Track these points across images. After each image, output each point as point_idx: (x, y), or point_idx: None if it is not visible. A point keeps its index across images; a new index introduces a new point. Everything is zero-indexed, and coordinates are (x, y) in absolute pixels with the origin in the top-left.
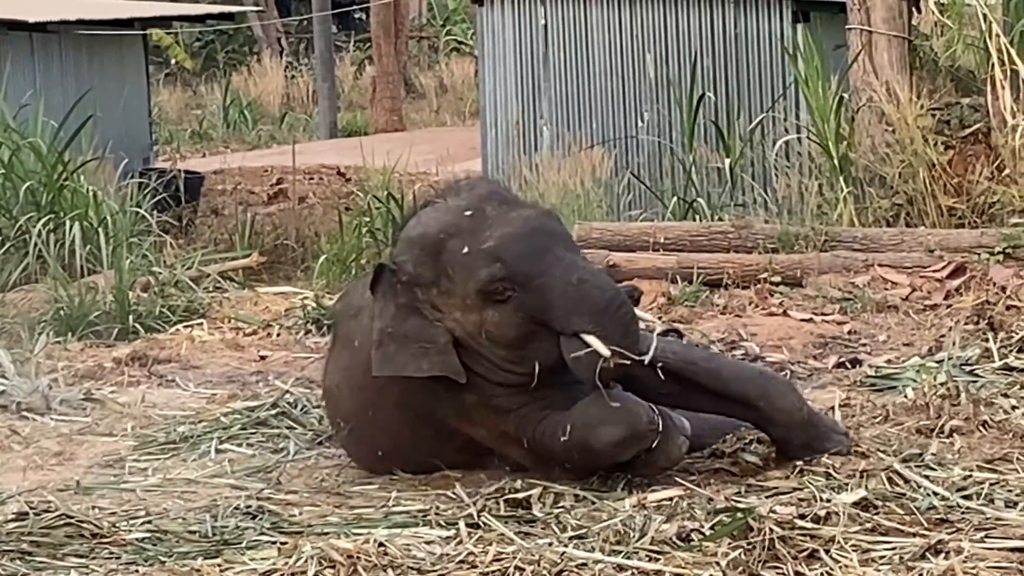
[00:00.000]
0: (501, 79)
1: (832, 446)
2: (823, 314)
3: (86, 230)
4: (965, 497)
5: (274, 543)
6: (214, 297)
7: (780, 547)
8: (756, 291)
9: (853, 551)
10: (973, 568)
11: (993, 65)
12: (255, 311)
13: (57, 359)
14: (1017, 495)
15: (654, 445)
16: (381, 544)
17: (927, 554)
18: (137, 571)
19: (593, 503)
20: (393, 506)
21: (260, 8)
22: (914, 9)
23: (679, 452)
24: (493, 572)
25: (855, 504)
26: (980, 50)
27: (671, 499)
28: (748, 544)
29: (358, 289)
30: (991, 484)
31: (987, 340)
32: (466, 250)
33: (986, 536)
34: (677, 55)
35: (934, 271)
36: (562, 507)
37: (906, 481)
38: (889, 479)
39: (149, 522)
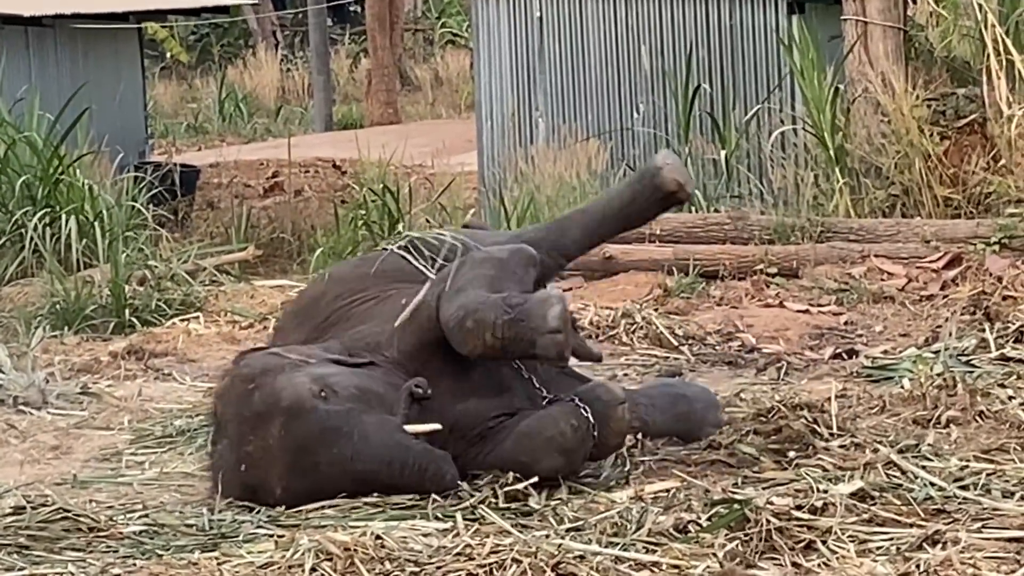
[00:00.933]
0: (496, 71)
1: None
2: (819, 305)
3: (82, 224)
4: (962, 488)
5: (271, 536)
6: (210, 290)
7: (777, 538)
8: (752, 282)
9: (850, 542)
10: (970, 558)
11: (988, 55)
12: (251, 304)
13: (53, 353)
14: (1014, 485)
15: (596, 436)
16: (378, 537)
17: (924, 544)
18: (134, 564)
19: (590, 495)
20: (390, 498)
21: (255, 1)
22: None
23: (623, 422)
24: (490, 564)
25: (852, 495)
26: (975, 40)
27: (668, 491)
28: (745, 535)
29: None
30: (988, 474)
31: (983, 330)
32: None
33: (983, 526)
34: (672, 47)
35: (930, 262)
36: (559, 499)
37: (903, 472)
38: (886, 470)
39: (146, 516)
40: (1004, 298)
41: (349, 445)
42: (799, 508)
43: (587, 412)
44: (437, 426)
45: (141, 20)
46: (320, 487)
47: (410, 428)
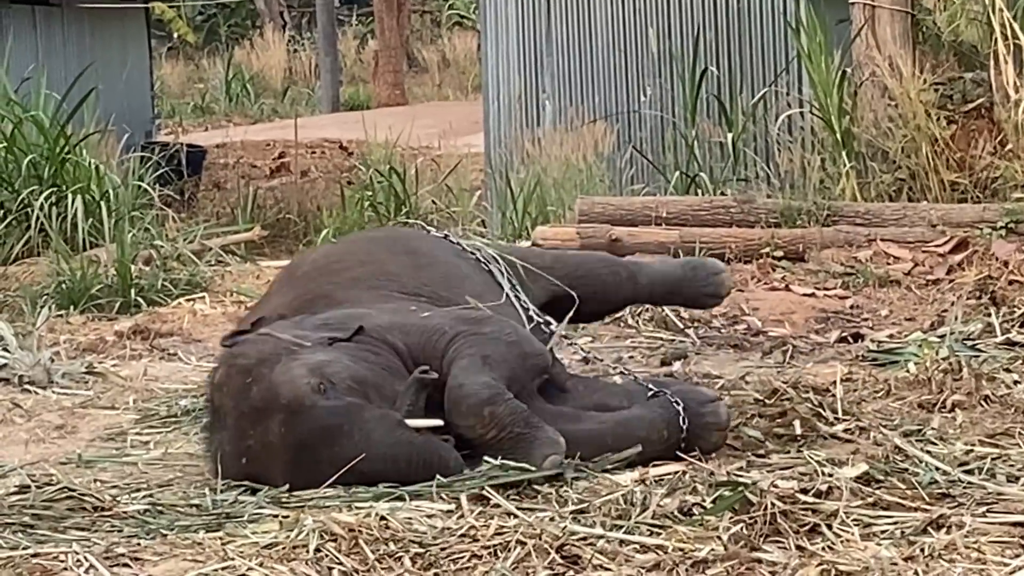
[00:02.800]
0: (503, 53)
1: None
2: (825, 289)
3: (88, 203)
4: (967, 472)
5: (275, 517)
6: (216, 271)
7: (781, 521)
8: (758, 265)
9: (855, 525)
10: (974, 543)
11: (996, 40)
12: (257, 285)
13: (59, 332)
14: (1019, 470)
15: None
16: (382, 518)
17: (929, 528)
18: (139, 544)
19: (594, 477)
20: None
21: None
22: None
23: (715, 447)
24: (494, 546)
25: (857, 479)
26: (983, 24)
27: (672, 473)
28: (750, 518)
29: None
30: (993, 459)
31: (989, 315)
32: None
33: (988, 511)
34: (680, 29)
35: (936, 246)
36: (563, 482)
37: (908, 456)
38: (891, 454)
39: (151, 495)
40: (1010, 283)
41: (351, 443)
42: (804, 491)
43: (684, 422)
44: (439, 422)
45: (148, 0)
46: (323, 481)
47: (412, 422)
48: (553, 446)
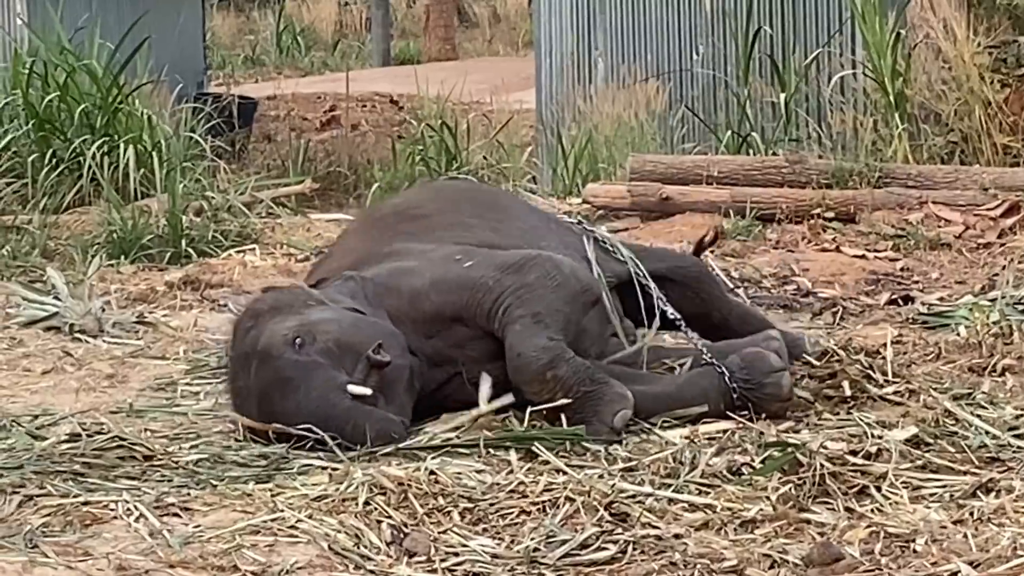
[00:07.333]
0: (556, 9)
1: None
2: (876, 250)
3: (140, 154)
4: (1016, 436)
5: (325, 469)
6: (266, 223)
7: (830, 483)
8: (809, 226)
9: (903, 488)
10: (1023, 507)
11: None
12: (307, 237)
13: (110, 282)
14: None
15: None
16: (432, 472)
17: (978, 492)
18: (188, 494)
19: (644, 435)
20: (445, 434)
21: None
22: None
23: (776, 411)
24: (543, 502)
25: (906, 441)
26: None
27: (722, 433)
28: (799, 479)
29: None
30: None
31: None
32: None
33: None
34: None
35: (988, 209)
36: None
37: (957, 419)
38: (940, 417)
39: (201, 446)
40: None
41: (295, 397)
42: (853, 453)
43: (735, 388)
44: (367, 391)
45: None
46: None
47: (352, 388)
48: (622, 401)
